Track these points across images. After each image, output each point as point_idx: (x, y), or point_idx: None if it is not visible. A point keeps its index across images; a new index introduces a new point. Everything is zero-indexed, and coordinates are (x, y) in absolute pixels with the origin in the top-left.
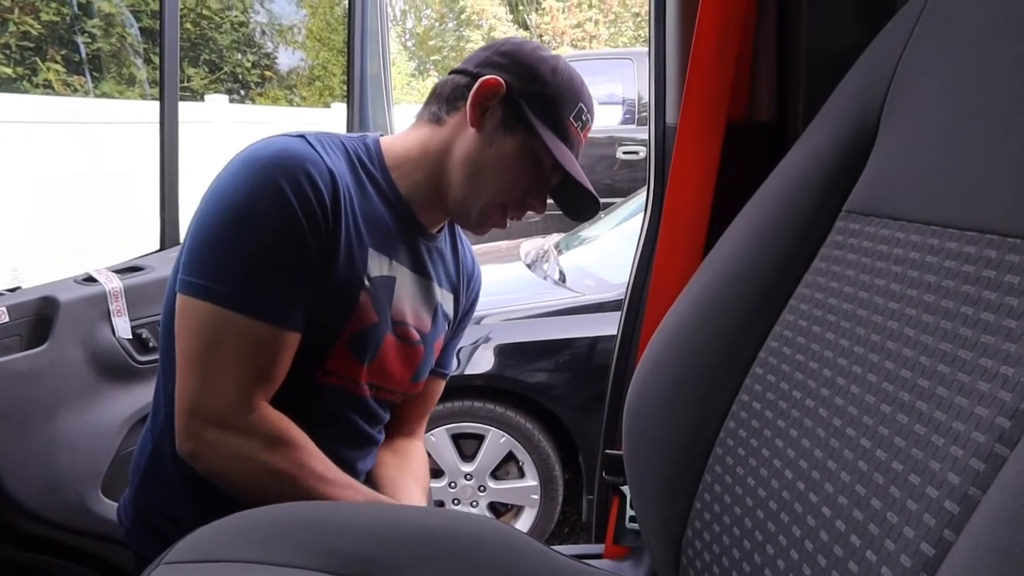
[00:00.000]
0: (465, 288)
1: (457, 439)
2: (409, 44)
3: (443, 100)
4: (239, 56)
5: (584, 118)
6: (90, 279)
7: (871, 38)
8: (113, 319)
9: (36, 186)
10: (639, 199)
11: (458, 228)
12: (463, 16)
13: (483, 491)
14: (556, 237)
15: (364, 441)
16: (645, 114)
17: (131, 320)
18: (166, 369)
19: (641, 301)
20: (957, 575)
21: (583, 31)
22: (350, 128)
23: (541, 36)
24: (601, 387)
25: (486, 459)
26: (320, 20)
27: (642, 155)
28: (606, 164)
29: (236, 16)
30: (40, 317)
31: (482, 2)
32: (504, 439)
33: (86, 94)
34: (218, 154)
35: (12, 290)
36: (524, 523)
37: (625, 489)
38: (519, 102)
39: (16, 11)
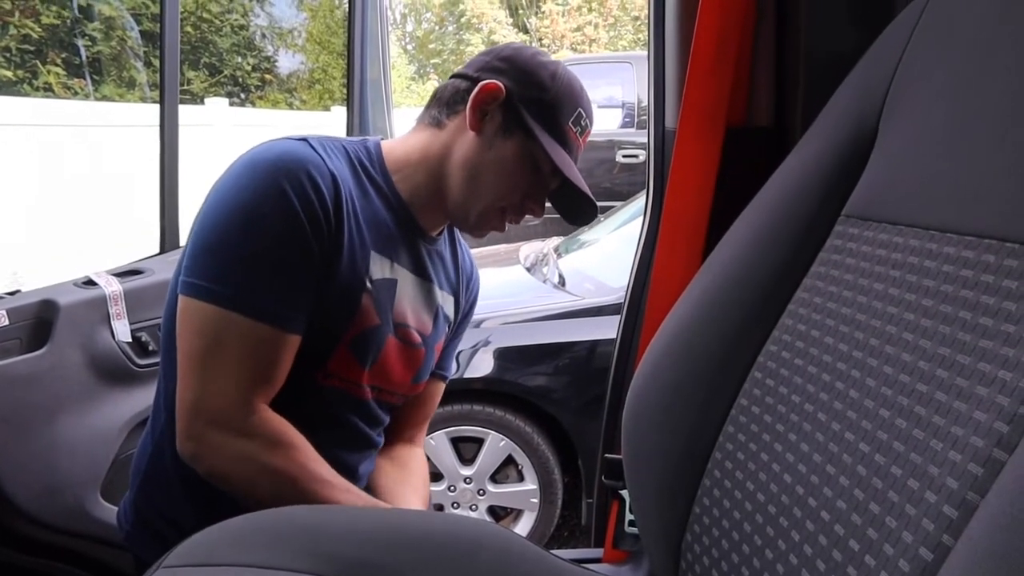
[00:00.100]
0: (464, 290)
1: (456, 443)
2: (409, 47)
3: (443, 104)
4: (239, 59)
5: (583, 123)
6: (90, 282)
7: (870, 42)
8: (113, 322)
9: (36, 189)
10: (638, 203)
11: (457, 231)
12: (463, 20)
13: (482, 495)
14: (555, 241)
15: (365, 444)
16: (644, 118)
17: (131, 323)
18: (167, 372)
19: (640, 305)
20: None
21: (583, 35)
22: (350, 131)
23: (541, 40)
24: (600, 391)
25: (485, 463)
26: (320, 23)
27: (641, 159)
28: (605, 167)
29: (236, 19)
30: (40, 320)
31: (482, 6)
32: (503, 443)
33: (86, 97)
34: (218, 157)
35: (12, 293)
36: (523, 527)
37: (624, 493)
38: (518, 107)
39: (16, 14)
